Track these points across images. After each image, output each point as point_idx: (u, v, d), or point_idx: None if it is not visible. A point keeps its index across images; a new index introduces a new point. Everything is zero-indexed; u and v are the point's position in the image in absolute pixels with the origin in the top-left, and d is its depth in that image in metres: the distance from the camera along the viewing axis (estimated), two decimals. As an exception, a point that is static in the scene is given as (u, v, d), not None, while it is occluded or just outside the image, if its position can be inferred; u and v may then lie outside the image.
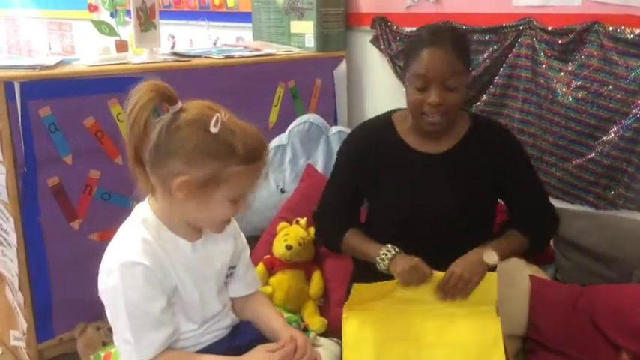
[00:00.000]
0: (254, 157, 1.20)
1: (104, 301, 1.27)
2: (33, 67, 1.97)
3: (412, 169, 1.64)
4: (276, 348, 1.30)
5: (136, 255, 1.21)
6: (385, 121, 1.72)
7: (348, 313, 1.59)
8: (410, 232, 1.62)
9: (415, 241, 1.58)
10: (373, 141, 1.68)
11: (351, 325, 1.57)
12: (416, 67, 1.53)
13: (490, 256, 1.57)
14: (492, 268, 1.58)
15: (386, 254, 1.58)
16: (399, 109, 1.75)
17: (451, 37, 1.54)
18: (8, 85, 1.86)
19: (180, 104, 1.21)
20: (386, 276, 1.60)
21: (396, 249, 1.59)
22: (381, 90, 2.72)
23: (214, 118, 1.16)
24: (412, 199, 1.63)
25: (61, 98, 1.95)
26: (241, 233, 1.46)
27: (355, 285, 1.58)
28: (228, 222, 1.32)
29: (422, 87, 1.53)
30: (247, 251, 1.47)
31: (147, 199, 1.29)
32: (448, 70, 1.50)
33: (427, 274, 1.53)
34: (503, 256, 1.60)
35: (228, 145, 1.17)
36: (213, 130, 1.16)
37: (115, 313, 1.23)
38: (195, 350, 1.34)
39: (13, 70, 1.97)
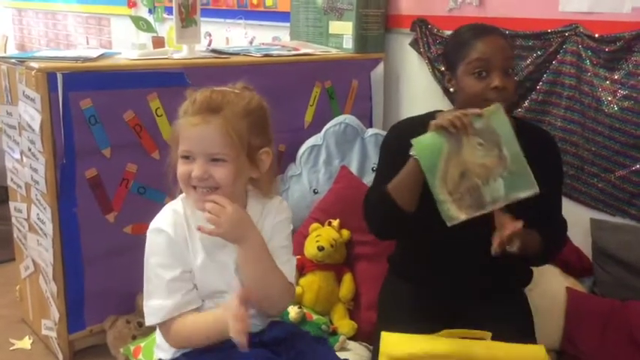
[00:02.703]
0: (183, 113, 1.31)
1: None
2: (75, 59, 1.99)
3: None
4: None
5: (163, 223, 1.32)
6: (429, 117, 1.60)
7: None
8: (440, 233, 1.52)
9: (445, 241, 1.55)
10: (416, 135, 1.56)
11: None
12: (475, 54, 1.54)
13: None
14: (528, 279, 1.60)
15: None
16: (441, 111, 1.71)
17: (497, 28, 1.63)
18: (51, 76, 1.87)
19: None
20: (423, 276, 1.59)
21: None
22: (419, 93, 2.68)
23: None
24: None
25: (102, 91, 1.97)
26: (285, 218, 1.43)
27: (384, 334, 1.50)
28: (193, 185, 1.29)
29: (482, 73, 1.53)
30: (283, 239, 1.42)
31: None
32: (506, 54, 1.55)
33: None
34: (524, 239, 1.47)
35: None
36: None
37: (144, 277, 1.34)
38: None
39: (56, 61, 1.99)
